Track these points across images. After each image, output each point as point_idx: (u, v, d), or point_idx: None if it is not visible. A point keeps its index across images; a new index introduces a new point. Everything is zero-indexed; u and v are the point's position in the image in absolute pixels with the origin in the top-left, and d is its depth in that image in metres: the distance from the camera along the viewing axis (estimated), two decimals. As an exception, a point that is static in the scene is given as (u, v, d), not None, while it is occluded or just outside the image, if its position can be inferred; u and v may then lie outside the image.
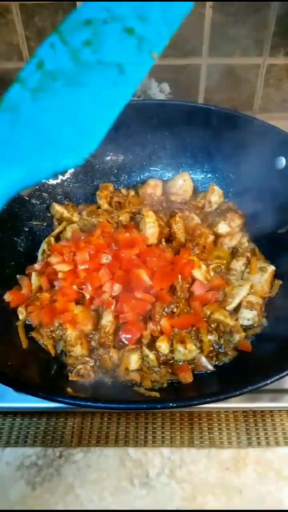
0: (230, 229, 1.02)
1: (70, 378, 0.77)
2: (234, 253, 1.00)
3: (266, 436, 0.78)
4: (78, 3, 1.18)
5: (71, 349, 0.81)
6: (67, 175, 1.12)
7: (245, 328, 0.86)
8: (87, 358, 0.80)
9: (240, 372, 0.78)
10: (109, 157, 1.15)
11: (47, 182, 1.09)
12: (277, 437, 0.78)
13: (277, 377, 0.66)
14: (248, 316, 0.87)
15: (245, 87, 1.35)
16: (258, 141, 1.05)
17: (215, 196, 1.09)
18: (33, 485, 0.74)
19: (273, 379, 0.66)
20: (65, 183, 1.12)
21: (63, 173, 1.10)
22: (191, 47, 1.26)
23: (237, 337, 0.83)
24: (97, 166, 1.15)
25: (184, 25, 1.22)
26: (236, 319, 0.87)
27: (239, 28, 1.22)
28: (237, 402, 0.79)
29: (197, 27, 1.22)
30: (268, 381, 0.66)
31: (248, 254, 0.98)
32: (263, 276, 0.91)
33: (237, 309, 0.88)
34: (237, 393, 0.65)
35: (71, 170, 1.12)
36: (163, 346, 0.81)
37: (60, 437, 0.79)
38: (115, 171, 1.16)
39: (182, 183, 1.12)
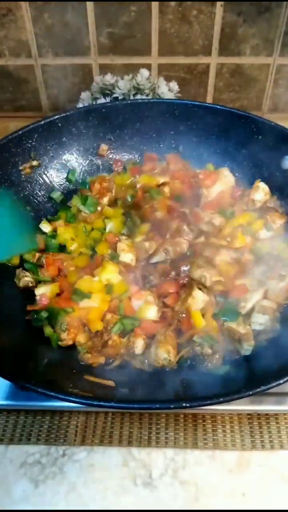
0: (272, 233, 0.96)
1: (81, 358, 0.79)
2: None
3: (270, 439, 0.78)
4: (87, 2, 1.18)
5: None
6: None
7: (258, 333, 0.83)
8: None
9: (249, 373, 0.78)
10: (113, 155, 1.15)
11: (53, 181, 1.09)
12: (281, 440, 0.78)
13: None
14: (260, 321, 0.83)
15: (254, 87, 1.34)
16: (266, 141, 1.04)
17: (260, 193, 1.02)
18: (36, 483, 0.74)
19: (286, 379, 0.65)
20: (69, 182, 1.12)
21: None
22: (201, 46, 1.26)
23: (245, 345, 0.80)
24: (102, 164, 1.14)
25: (194, 24, 1.23)
26: (249, 325, 0.84)
27: (249, 27, 1.22)
28: (241, 404, 0.78)
29: (207, 26, 1.22)
30: (281, 381, 0.65)
31: None
32: (279, 284, 0.87)
33: (250, 313, 0.85)
34: (250, 393, 0.64)
35: (78, 170, 1.12)
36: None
37: (63, 436, 0.79)
38: (120, 169, 1.15)
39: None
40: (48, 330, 0.83)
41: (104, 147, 1.13)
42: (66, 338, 0.81)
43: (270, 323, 0.84)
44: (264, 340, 0.83)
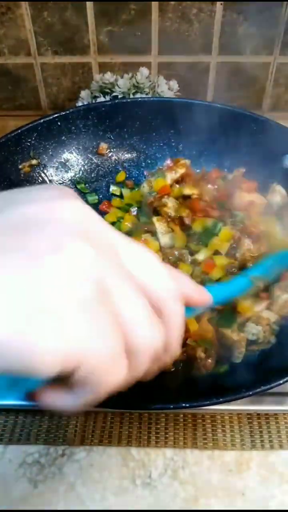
0: None
1: None
2: None
3: (270, 439, 0.78)
4: (87, 1, 1.17)
5: None
6: (70, 173, 1.11)
7: (250, 343, 0.81)
8: None
9: (249, 373, 0.77)
10: (112, 155, 1.15)
11: (52, 180, 1.08)
12: (281, 440, 0.78)
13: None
14: (252, 331, 0.80)
15: (254, 86, 1.34)
16: (266, 140, 1.04)
17: (277, 197, 0.98)
18: (35, 483, 0.74)
19: (286, 379, 0.64)
20: (68, 181, 1.11)
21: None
22: (201, 45, 1.25)
23: (235, 352, 0.78)
24: (101, 164, 1.14)
25: (194, 23, 1.23)
26: (242, 332, 0.81)
27: (249, 26, 1.21)
28: (241, 404, 0.78)
29: (207, 24, 1.21)
30: (281, 381, 0.64)
31: None
32: (281, 297, 0.83)
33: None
34: (250, 393, 0.64)
35: (75, 169, 1.11)
36: None
37: (63, 436, 0.79)
38: (119, 168, 1.15)
39: None
40: None
41: (103, 145, 1.13)
42: None
43: (263, 334, 0.80)
44: (256, 350, 0.80)
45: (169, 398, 0.73)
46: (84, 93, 1.26)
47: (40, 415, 0.81)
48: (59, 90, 1.36)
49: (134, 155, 1.16)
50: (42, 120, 1.04)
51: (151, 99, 1.15)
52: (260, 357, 0.80)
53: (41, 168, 1.07)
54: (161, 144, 1.15)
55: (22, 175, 1.02)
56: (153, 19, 1.21)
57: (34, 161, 1.04)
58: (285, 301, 0.83)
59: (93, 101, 1.23)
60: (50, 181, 1.08)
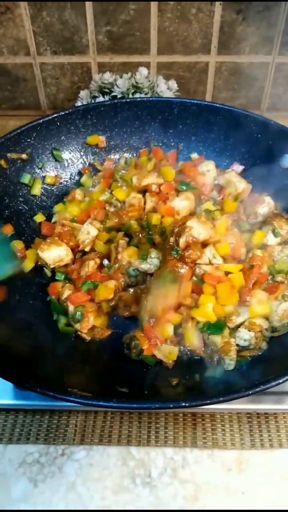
0: (281, 238, 0.94)
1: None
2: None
3: (269, 438, 0.78)
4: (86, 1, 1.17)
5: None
6: (68, 175, 1.11)
7: (241, 349, 0.81)
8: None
9: (249, 372, 0.78)
10: (111, 154, 1.15)
11: (50, 186, 1.08)
12: (280, 439, 0.78)
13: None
14: (244, 337, 0.81)
15: (253, 85, 1.34)
16: (264, 139, 1.04)
17: (265, 208, 0.99)
18: (35, 482, 0.74)
19: (285, 379, 0.65)
20: (67, 182, 1.11)
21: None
22: (200, 44, 1.25)
23: (227, 359, 0.78)
24: (101, 164, 1.14)
25: (193, 23, 1.23)
26: (234, 338, 0.82)
27: (248, 25, 1.21)
28: (241, 403, 0.78)
29: (206, 24, 1.21)
30: (281, 381, 0.64)
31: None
32: (280, 306, 0.83)
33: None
34: (250, 392, 0.64)
35: (74, 170, 1.11)
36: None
37: (62, 435, 0.79)
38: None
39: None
40: (64, 328, 0.87)
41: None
42: (84, 327, 0.85)
43: (254, 340, 0.80)
44: (248, 357, 0.80)
45: (169, 398, 0.73)
46: (83, 93, 1.26)
47: (40, 415, 0.81)
48: (58, 90, 1.37)
49: (132, 154, 1.16)
50: (41, 120, 1.04)
51: (150, 99, 1.15)
52: (253, 364, 0.80)
53: (40, 167, 1.07)
54: (160, 144, 1.16)
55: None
56: (152, 19, 1.21)
57: (24, 156, 1.03)
58: (283, 310, 0.82)
59: (92, 101, 1.23)
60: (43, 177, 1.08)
